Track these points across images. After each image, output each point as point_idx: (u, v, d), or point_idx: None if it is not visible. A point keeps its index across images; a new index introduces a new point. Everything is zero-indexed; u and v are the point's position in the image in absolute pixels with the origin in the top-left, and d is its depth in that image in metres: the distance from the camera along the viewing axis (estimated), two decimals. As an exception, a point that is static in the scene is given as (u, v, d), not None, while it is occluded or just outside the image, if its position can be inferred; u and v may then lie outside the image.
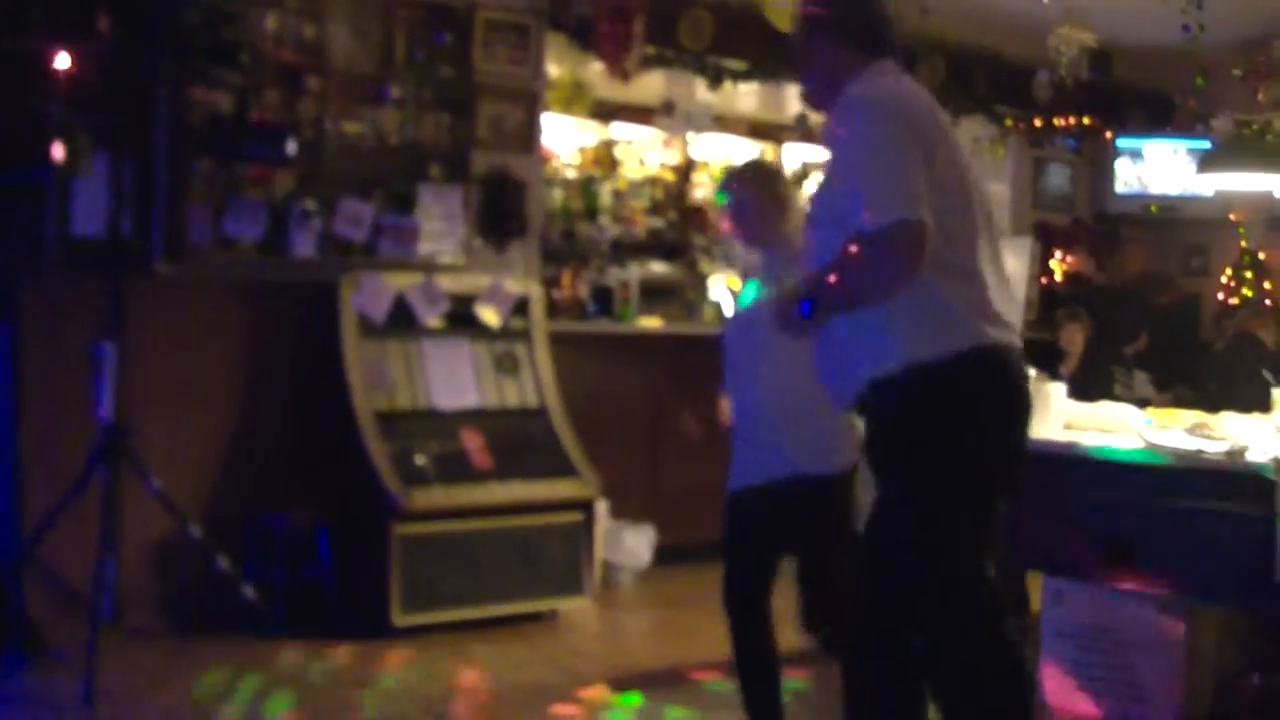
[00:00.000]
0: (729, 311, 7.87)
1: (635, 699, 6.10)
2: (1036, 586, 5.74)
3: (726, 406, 5.07)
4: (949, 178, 3.82)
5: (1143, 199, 11.68)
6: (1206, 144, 6.84)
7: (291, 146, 7.14)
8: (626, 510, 8.21)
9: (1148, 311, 10.54)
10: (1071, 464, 5.21)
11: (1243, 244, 11.26)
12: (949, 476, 3.81)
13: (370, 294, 7.22)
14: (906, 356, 3.75)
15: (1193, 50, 8.02)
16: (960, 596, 3.85)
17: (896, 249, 3.62)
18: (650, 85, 9.37)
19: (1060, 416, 5.48)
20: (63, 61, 6.20)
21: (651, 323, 9.22)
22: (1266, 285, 11.26)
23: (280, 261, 7.27)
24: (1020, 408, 3.93)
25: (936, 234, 3.65)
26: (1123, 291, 11.42)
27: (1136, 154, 11.67)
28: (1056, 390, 5.54)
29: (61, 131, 6.36)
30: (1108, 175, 11.87)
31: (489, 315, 7.61)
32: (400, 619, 6.77)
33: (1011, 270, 11.07)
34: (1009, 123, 11.11)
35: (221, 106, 7.04)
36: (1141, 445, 5.17)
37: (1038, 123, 11.27)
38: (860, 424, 4.07)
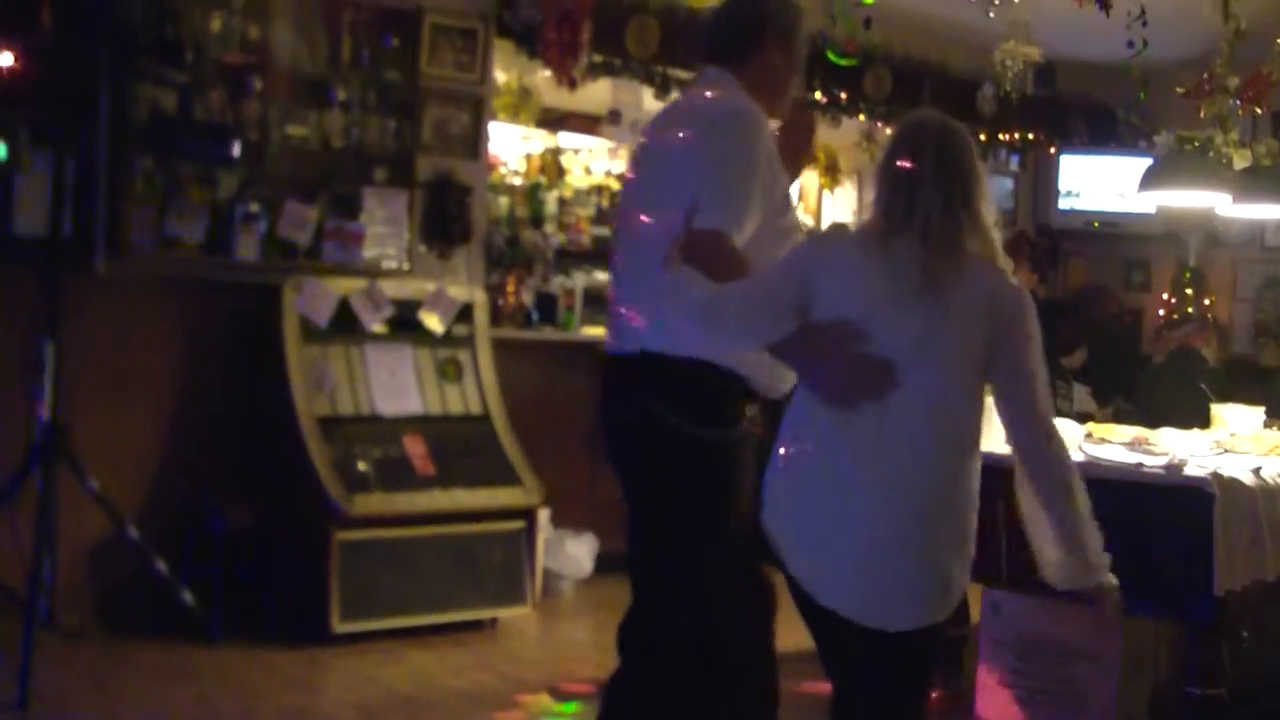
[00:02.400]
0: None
1: (575, 707, 6.10)
2: (976, 598, 5.76)
3: None
4: None
5: (1084, 214, 11.77)
6: (1149, 159, 6.88)
7: (236, 147, 7.10)
8: (568, 518, 8.20)
9: (1085, 325, 10.61)
10: (1009, 476, 5.22)
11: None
12: None
13: (313, 297, 7.18)
14: None
15: (1136, 66, 8.09)
16: None
17: None
18: (597, 93, 9.37)
19: (999, 430, 5.49)
20: (4, 57, 6.15)
21: (595, 331, 9.21)
22: (1207, 300, 11.37)
23: (223, 262, 7.22)
24: None
25: None
26: (1062, 305, 11.51)
27: (1078, 168, 11.76)
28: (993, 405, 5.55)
29: (1, 127, 6.30)
30: (1050, 189, 11.96)
31: (432, 321, 7.58)
32: (339, 625, 6.73)
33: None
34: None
35: (165, 105, 6.99)
36: (1081, 459, 5.19)
37: (982, 136, 11.33)
38: None
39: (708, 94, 4.11)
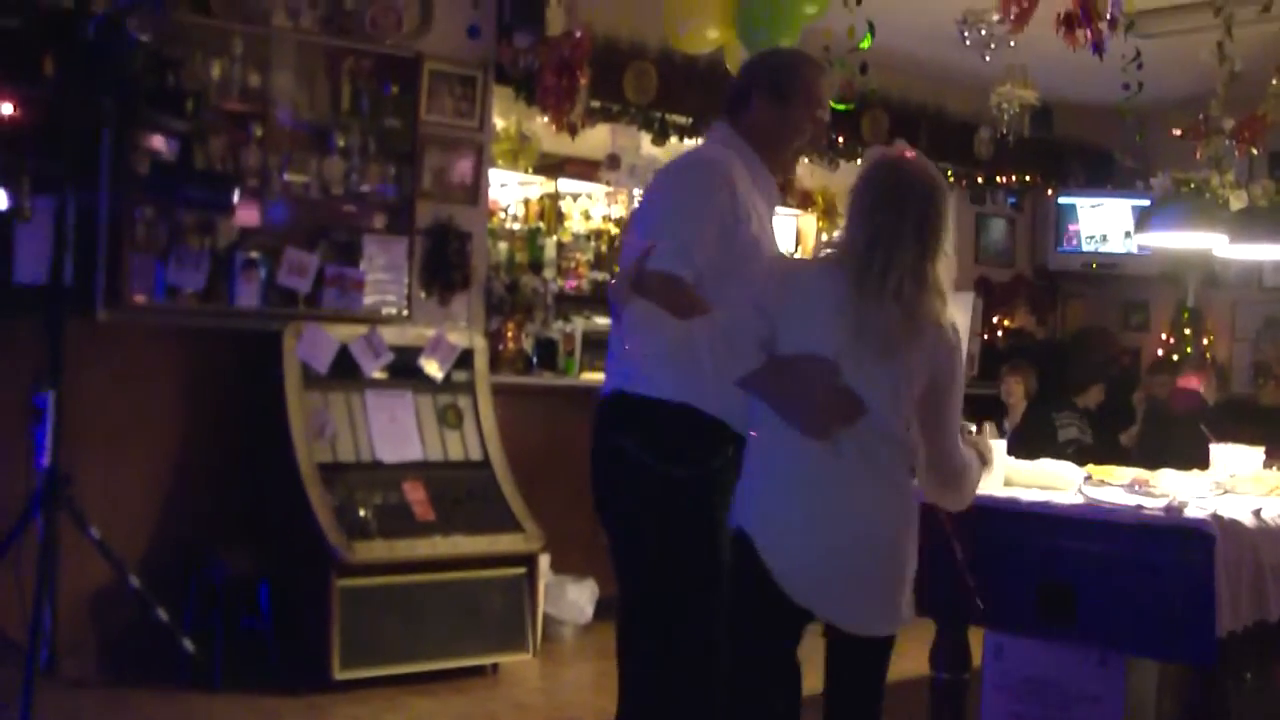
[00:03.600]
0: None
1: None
2: (978, 641, 5.75)
3: None
4: None
5: (1083, 255, 11.80)
6: (1146, 201, 6.91)
7: (236, 195, 7.12)
8: (569, 563, 8.19)
9: (1098, 365, 10.66)
10: (1011, 519, 5.22)
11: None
12: None
13: (313, 344, 7.20)
14: None
15: (1130, 109, 8.12)
16: None
17: None
18: (595, 139, 9.40)
19: (1000, 473, 5.50)
20: (5, 106, 6.18)
21: (596, 376, 9.21)
22: (1205, 341, 11.38)
23: (223, 310, 7.24)
24: None
25: None
26: (1060, 346, 11.55)
27: (1076, 210, 11.79)
28: (997, 447, 5.56)
29: (4, 176, 6.33)
30: (1048, 231, 11.99)
31: (432, 367, 7.59)
32: (340, 672, 6.71)
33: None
34: (951, 178, 11.20)
35: (166, 153, 7.02)
36: (1080, 501, 5.20)
37: (979, 179, 11.38)
38: None
39: (696, 146, 4.39)
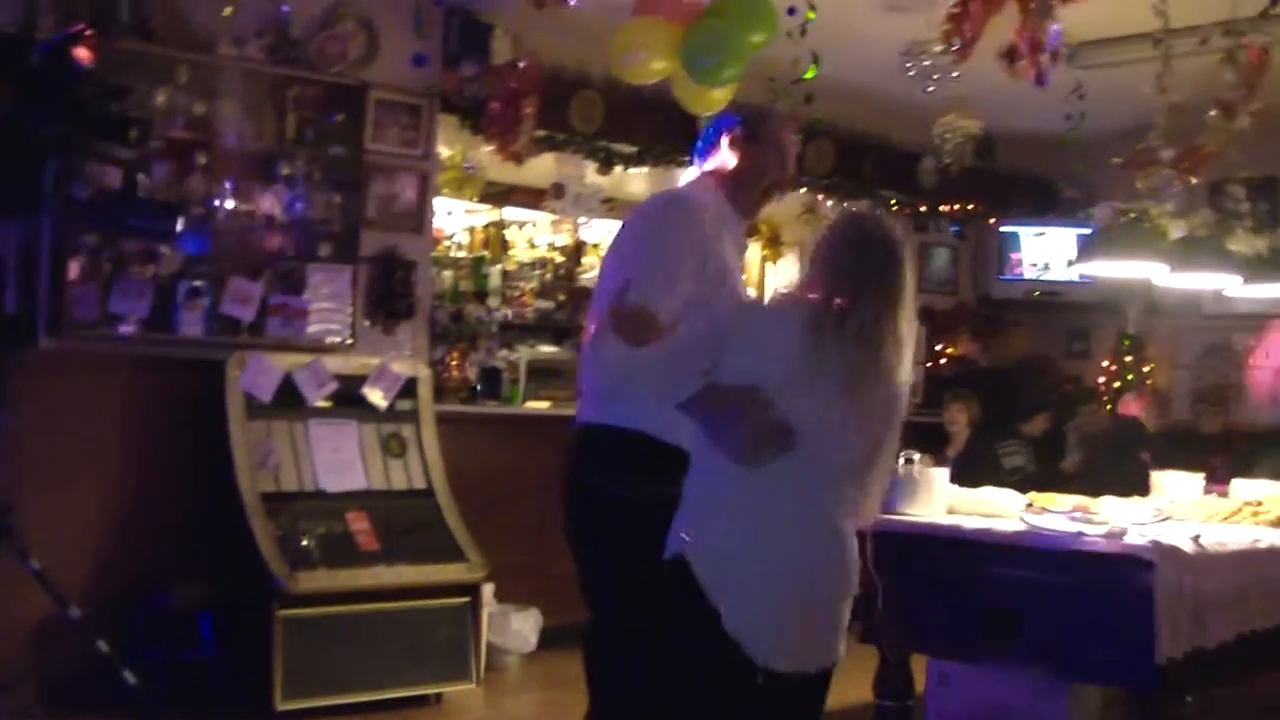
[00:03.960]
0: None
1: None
2: (921, 668, 5.77)
3: None
4: None
5: (1025, 283, 11.88)
6: (1088, 230, 6.96)
7: (180, 223, 7.10)
8: (513, 592, 8.17)
9: (1044, 393, 10.74)
10: (954, 546, 5.26)
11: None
12: None
13: (257, 373, 7.17)
14: None
15: (1074, 138, 8.18)
16: None
17: None
18: (541, 167, 9.42)
19: (943, 500, 5.54)
20: (-53, 133, 6.14)
21: (539, 405, 9.21)
22: (1146, 368, 11.47)
23: (166, 339, 7.21)
24: None
25: None
26: (1014, 372, 11.61)
27: (1019, 239, 11.88)
28: (939, 475, 5.60)
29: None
30: (991, 259, 12.07)
31: (376, 396, 7.58)
32: (283, 703, 6.67)
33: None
34: (894, 207, 11.26)
35: (110, 181, 6.98)
36: (1022, 528, 5.23)
37: (923, 208, 11.44)
38: None
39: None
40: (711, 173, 4.57)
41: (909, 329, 3.84)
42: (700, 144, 4.64)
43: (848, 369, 3.73)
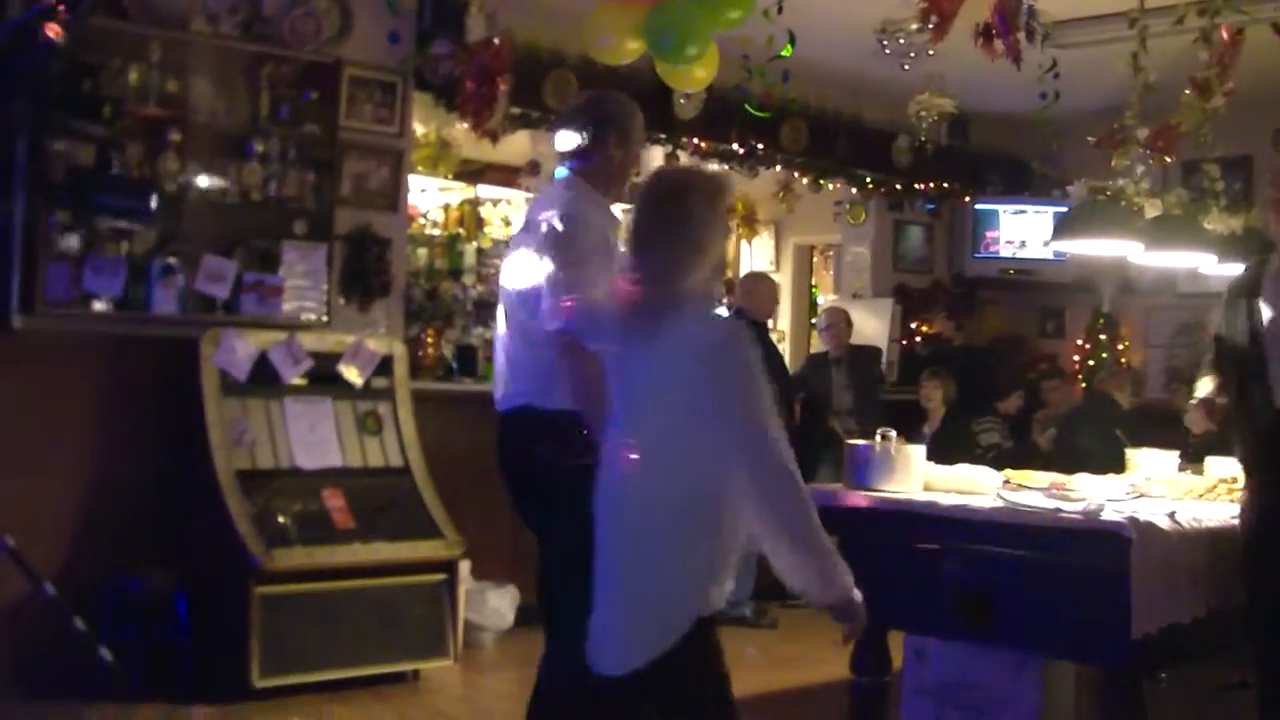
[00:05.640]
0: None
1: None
2: (898, 645, 5.79)
3: None
4: None
5: (1000, 261, 11.90)
6: (1063, 209, 6.98)
7: (154, 201, 7.07)
8: (489, 570, 8.17)
9: (1019, 371, 10.78)
10: (930, 523, 5.27)
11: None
12: None
13: (232, 351, 7.15)
14: None
15: (1045, 118, 8.19)
16: None
17: None
18: (516, 145, 9.41)
19: (919, 477, 5.55)
20: (-82, 112, 6.11)
21: (515, 382, 9.19)
22: (1120, 347, 11.51)
23: (140, 317, 7.18)
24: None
25: None
26: (987, 352, 11.65)
27: (997, 217, 11.90)
28: (916, 452, 5.61)
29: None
30: (965, 238, 12.09)
31: (351, 374, 7.56)
32: (260, 680, 6.67)
33: (872, 331, 11.17)
34: (870, 185, 11.28)
35: (82, 159, 6.95)
36: (999, 505, 5.24)
37: (898, 187, 11.45)
38: None
39: (552, 202, 4.92)
40: (588, 172, 4.97)
41: (702, 267, 3.88)
42: (580, 147, 4.97)
43: (647, 311, 3.88)
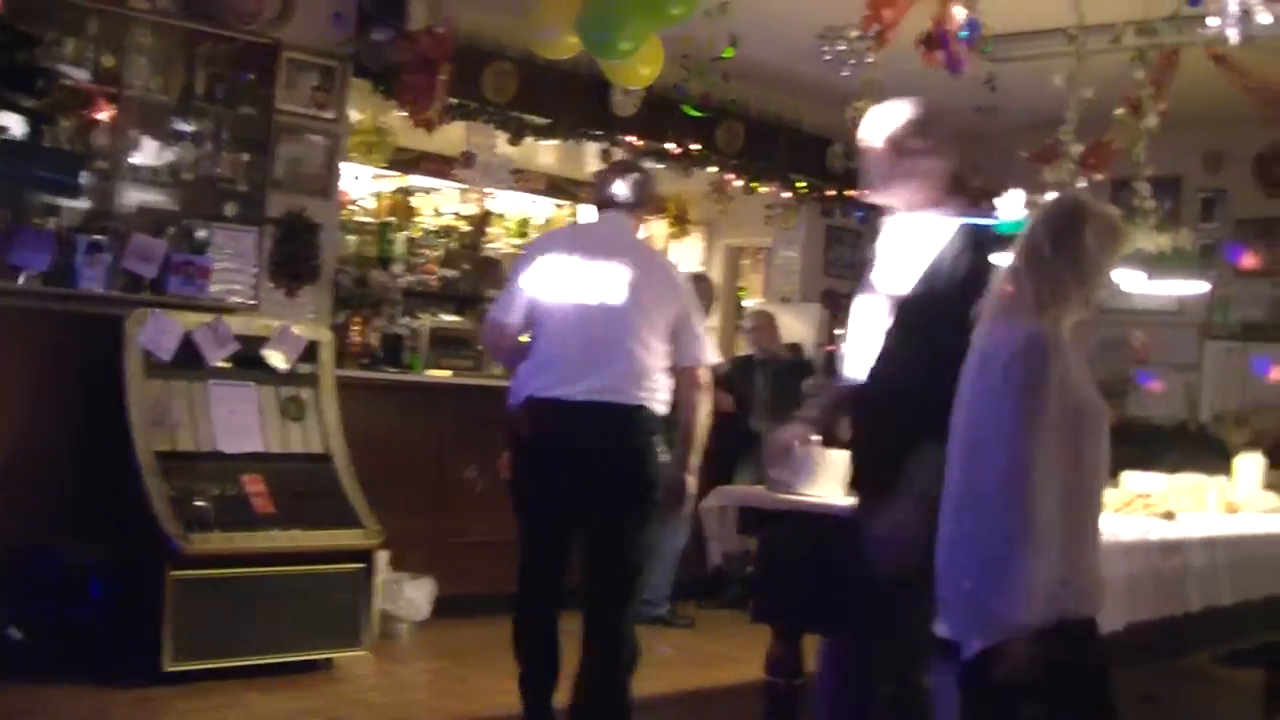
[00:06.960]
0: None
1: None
2: (811, 647, 5.80)
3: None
4: None
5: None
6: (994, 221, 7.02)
7: (83, 176, 7.00)
8: (409, 561, 8.15)
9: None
10: (849, 527, 5.28)
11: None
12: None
13: (157, 331, 7.09)
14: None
15: (984, 129, 8.25)
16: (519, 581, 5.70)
17: None
18: (451, 135, 9.37)
19: (841, 482, 5.56)
20: None
21: (440, 373, 9.19)
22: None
23: (66, 293, 7.11)
24: (536, 444, 5.61)
25: None
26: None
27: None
28: (838, 457, 5.62)
29: None
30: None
31: (276, 359, 7.51)
32: (171, 664, 6.61)
33: (801, 335, 11.22)
34: (805, 189, 11.31)
35: (14, 130, 6.87)
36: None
37: (830, 193, 11.49)
38: None
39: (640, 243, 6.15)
40: (640, 213, 5.96)
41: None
42: (643, 199, 5.88)
43: None
